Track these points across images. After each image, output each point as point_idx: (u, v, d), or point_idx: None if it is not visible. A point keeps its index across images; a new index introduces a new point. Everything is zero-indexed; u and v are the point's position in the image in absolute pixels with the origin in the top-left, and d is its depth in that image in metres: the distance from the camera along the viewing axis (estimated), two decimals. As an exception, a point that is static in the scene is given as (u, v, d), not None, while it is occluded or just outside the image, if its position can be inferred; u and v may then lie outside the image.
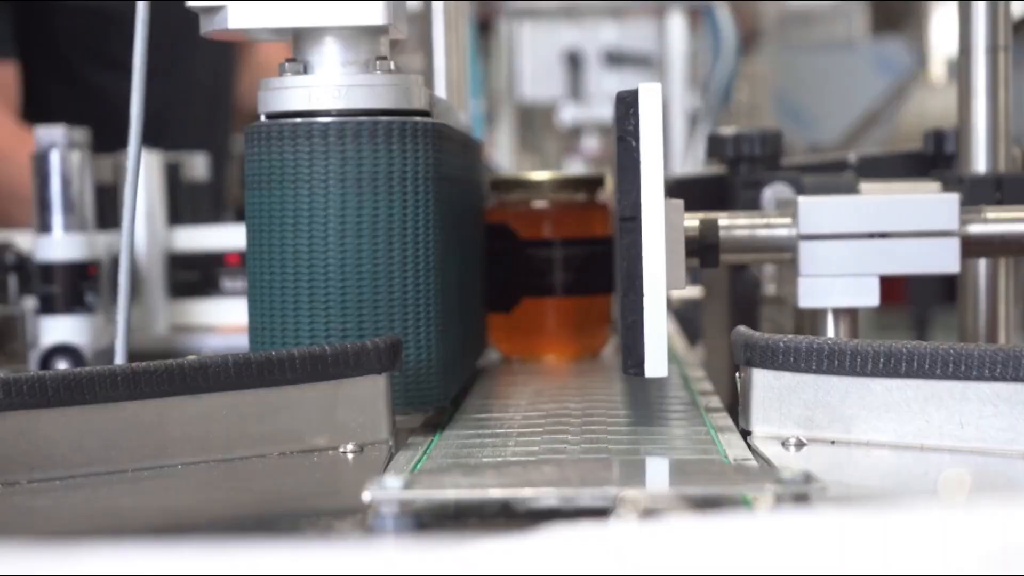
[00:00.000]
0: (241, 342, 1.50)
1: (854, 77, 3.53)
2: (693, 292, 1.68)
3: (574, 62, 2.89)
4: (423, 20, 1.39)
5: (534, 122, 3.50)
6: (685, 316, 1.78)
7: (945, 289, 2.66)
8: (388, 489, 0.67)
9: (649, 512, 0.57)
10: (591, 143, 2.87)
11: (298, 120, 0.96)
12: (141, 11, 0.98)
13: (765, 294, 1.44)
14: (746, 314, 1.39)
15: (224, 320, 1.57)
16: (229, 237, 1.56)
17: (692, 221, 1.07)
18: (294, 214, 0.95)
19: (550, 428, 0.96)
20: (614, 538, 0.40)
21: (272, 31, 0.97)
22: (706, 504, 0.66)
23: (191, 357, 0.88)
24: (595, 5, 2.87)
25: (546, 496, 0.68)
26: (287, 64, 0.97)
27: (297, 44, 0.98)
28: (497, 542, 0.45)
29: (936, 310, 2.56)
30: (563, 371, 1.31)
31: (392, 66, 0.97)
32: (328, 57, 0.97)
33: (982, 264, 1.22)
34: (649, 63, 2.86)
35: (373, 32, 0.97)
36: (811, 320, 1.12)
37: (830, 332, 1.08)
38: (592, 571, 0.40)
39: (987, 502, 0.56)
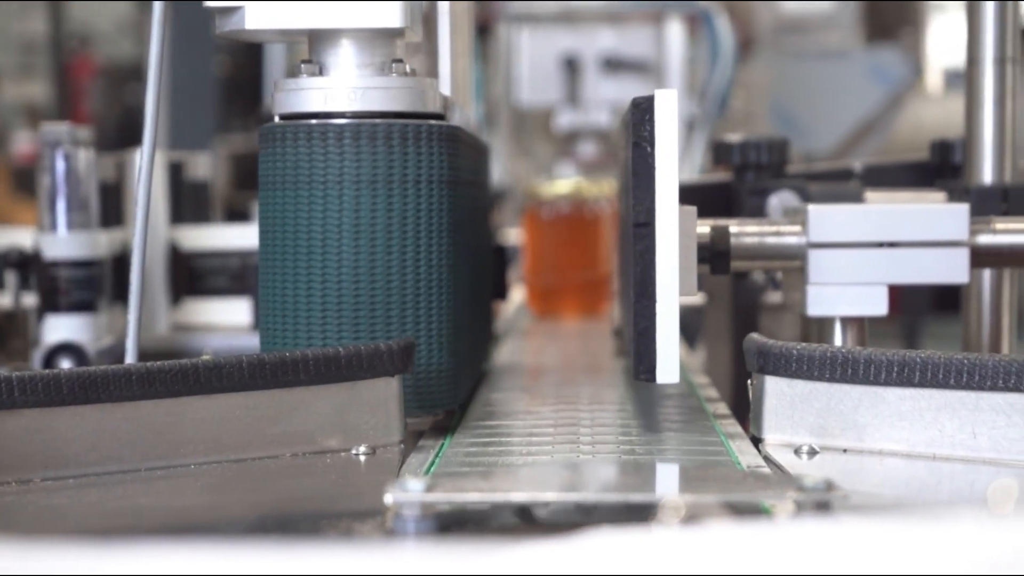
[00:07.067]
0: (240, 342, 1.50)
1: (849, 86, 3.54)
2: (692, 298, 1.68)
3: (572, 67, 2.89)
4: (425, 22, 1.39)
5: (527, 126, 3.51)
6: (682, 321, 1.78)
7: (935, 299, 2.64)
8: (410, 492, 0.67)
9: (689, 518, 0.57)
10: (587, 148, 2.87)
11: (313, 121, 0.96)
12: (157, 11, 0.98)
13: (765, 302, 1.44)
14: (748, 322, 1.39)
15: (223, 320, 1.57)
16: (231, 237, 1.55)
17: (703, 228, 1.07)
18: (308, 215, 0.95)
19: (560, 433, 0.96)
20: (660, 543, 0.40)
21: (288, 32, 0.97)
22: (732, 511, 0.66)
23: (205, 357, 0.88)
24: (593, 8, 2.86)
25: (568, 501, 0.68)
26: (303, 65, 0.97)
27: (313, 45, 0.98)
28: (538, 546, 0.45)
29: (926, 320, 2.56)
30: (569, 375, 1.30)
31: (408, 69, 0.97)
32: (344, 59, 0.97)
33: (987, 274, 1.22)
34: (647, 69, 2.85)
35: (389, 35, 0.97)
36: (817, 329, 1.12)
37: (838, 341, 1.08)
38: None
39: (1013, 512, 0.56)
